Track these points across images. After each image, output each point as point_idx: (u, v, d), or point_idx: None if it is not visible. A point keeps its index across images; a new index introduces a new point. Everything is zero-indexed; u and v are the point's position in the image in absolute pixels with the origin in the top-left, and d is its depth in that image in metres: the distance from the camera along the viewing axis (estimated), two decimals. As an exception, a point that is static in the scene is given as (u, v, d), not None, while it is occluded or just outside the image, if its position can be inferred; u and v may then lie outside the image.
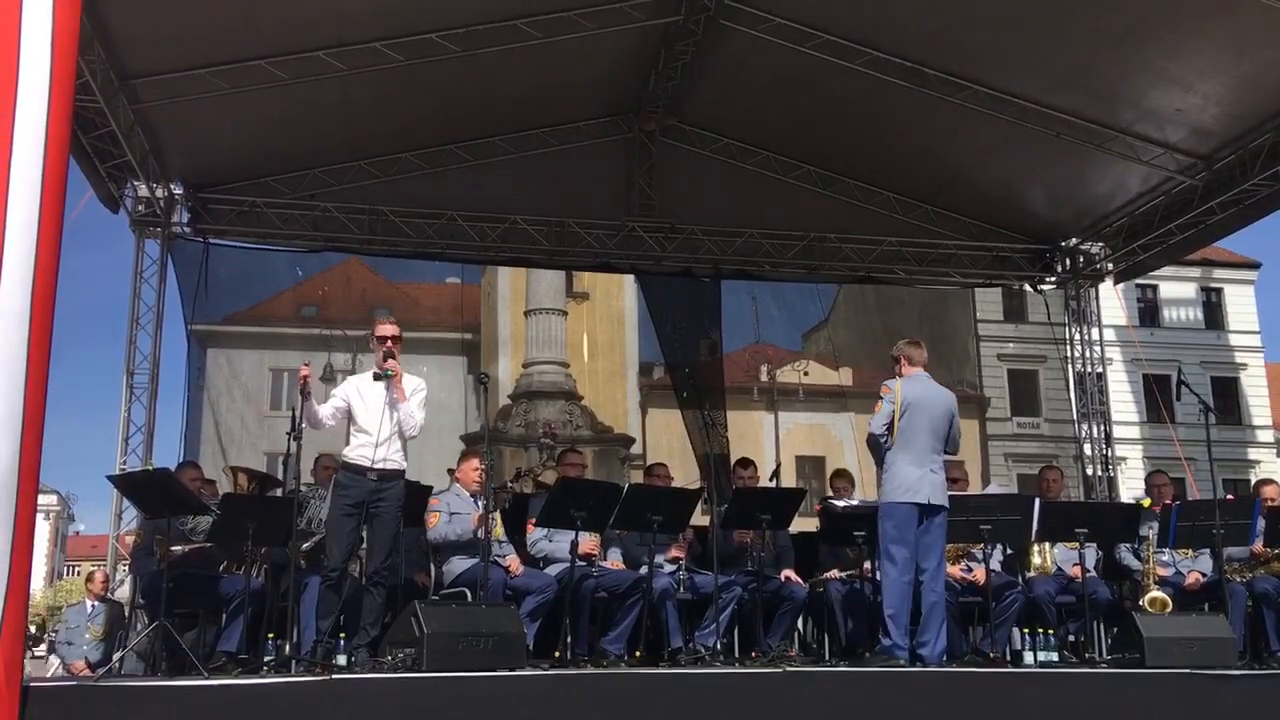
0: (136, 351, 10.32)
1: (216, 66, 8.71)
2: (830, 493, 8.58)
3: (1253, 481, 28.00)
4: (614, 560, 7.31)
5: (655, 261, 11.65)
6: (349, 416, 6.33)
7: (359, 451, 6.24)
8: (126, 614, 8.66)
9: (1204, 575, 7.62)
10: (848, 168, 11.35)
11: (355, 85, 9.17)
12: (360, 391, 6.35)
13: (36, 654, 17.81)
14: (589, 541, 6.97)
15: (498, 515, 7.18)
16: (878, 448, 6.68)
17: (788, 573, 7.46)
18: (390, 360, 6.28)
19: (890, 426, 6.57)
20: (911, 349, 6.87)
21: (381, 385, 6.28)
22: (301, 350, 12.79)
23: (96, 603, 9.72)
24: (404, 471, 6.38)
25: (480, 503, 6.82)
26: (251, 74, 8.80)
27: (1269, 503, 7.81)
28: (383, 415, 6.23)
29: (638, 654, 6.81)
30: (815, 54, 9.38)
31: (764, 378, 21.13)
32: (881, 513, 6.58)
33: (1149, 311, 30.79)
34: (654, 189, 11.18)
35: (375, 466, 6.19)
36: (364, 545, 6.51)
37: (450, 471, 7.95)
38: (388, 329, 6.39)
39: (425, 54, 8.92)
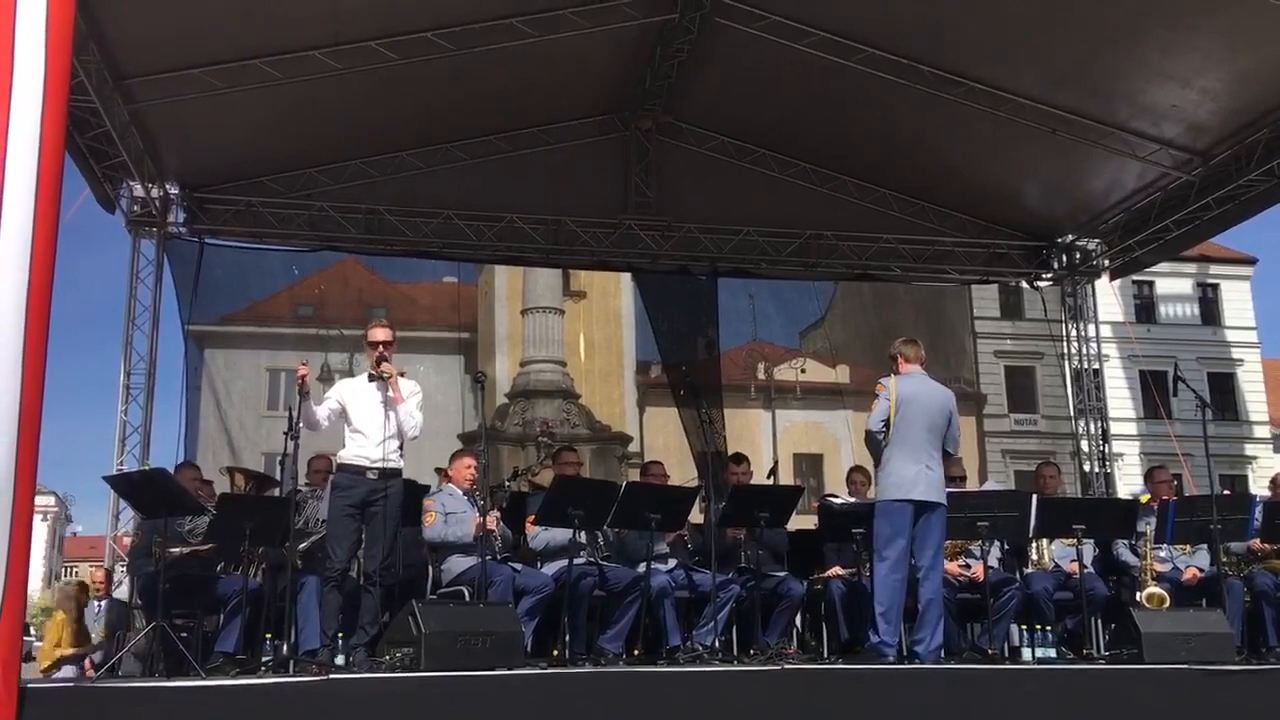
0: (133, 352, 10.31)
1: (212, 66, 8.69)
2: (838, 490, 8.57)
3: (1250, 477, 27.96)
4: None
5: (652, 260, 11.65)
6: (344, 418, 6.34)
7: (357, 452, 6.27)
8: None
9: (1201, 570, 7.63)
10: (844, 165, 11.35)
11: (351, 84, 9.15)
12: (355, 393, 6.37)
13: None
14: None
15: (494, 514, 7.18)
16: (875, 445, 6.67)
17: None
18: (385, 364, 6.31)
19: (887, 423, 6.57)
20: (907, 348, 6.86)
21: (377, 386, 6.32)
22: (298, 350, 12.74)
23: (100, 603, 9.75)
24: (402, 471, 6.39)
25: (476, 500, 6.83)
26: (247, 73, 8.78)
27: None
28: (380, 416, 6.25)
29: (636, 652, 6.81)
30: (811, 51, 9.37)
31: (761, 376, 21.05)
32: (876, 510, 6.58)
33: (1145, 308, 30.81)
34: (650, 187, 11.18)
35: (375, 466, 6.22)
36: (364, 545, 6.51)
37: (438, 471, 7.95)
38: (380, 333, 6.41)
39: (420, 53, 8.91)
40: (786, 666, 5.97)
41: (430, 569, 7.01)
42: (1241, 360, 31.07)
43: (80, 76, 7.77)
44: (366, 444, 6.26)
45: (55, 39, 4.73)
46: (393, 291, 16.45)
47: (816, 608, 7.76)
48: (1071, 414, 12.52)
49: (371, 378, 6.37)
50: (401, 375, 6.46)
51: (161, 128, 9.48)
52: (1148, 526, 7.48)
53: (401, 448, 6.38)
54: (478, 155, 10.81)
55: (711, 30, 9.44)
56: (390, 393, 6.29)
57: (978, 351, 22.61)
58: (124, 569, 9.24)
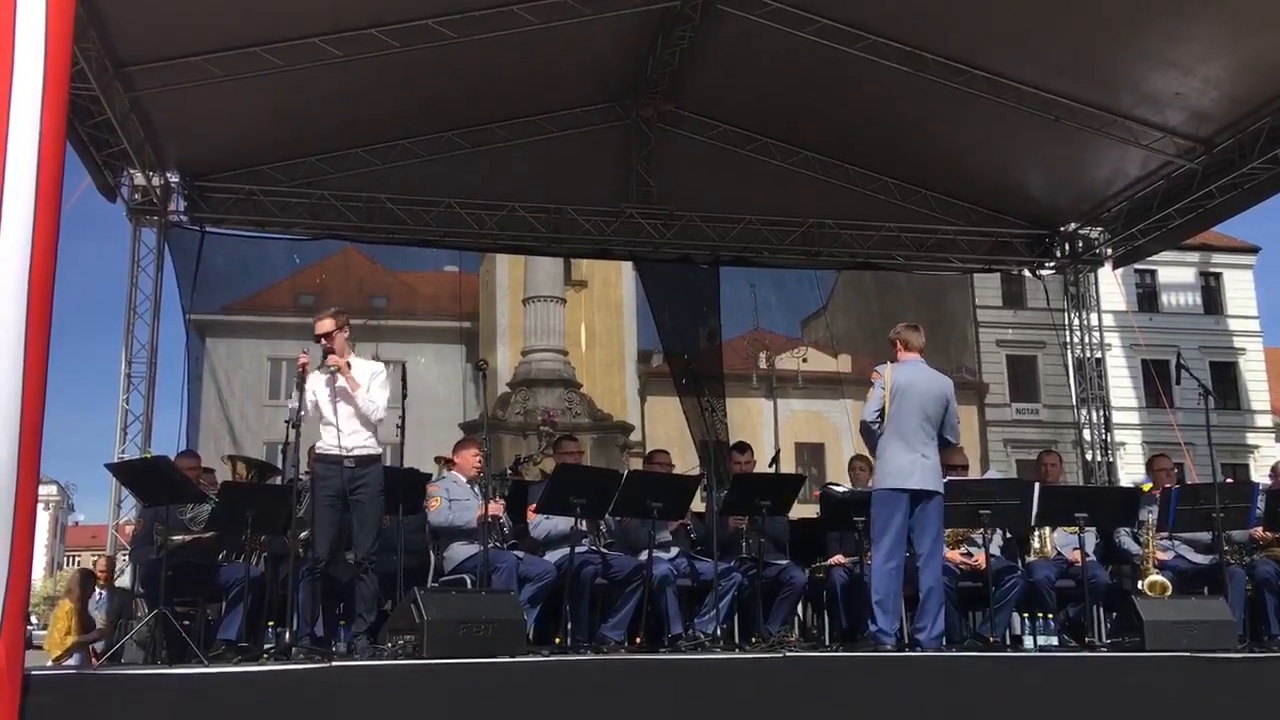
0: (134, 341, 10.32)
1: (212, 53, 8.67)
2: (840, 479, 8.57)
3: (1252, 466, 27.93)
4: None
5: (653, 248, 11.63)
6: (318, 409, 6.39)
7: (328, 441, 6.34)
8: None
9: None
10: (846, 153, 11.32)
11: (352, 72, 9.13)
12: (322, 385, 6.41)
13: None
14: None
15: (500, 501, 7.19)
16: (870, 435, 6.66)
17: None
18: (331, 356, 6.32)
19: (882, 412, 6.55)
20: (909, 333, 6.83)
21: (326, 379, 6.34)
22: (299, 339, 12.75)
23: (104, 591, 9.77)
24: (379, 456, 6.41)
25: (478, 489, 6.83)
26: (248, 61, 8.75)
27: None
28: (336, 406, 6.28)
29: (638, 640, 6.82)
30: (814, 38, 9.34)
31: (762, 365, 21.09)
32: (872, 499, 6.58)
33: (1148, 296, 30.80)
34: (652, 175, 11.15)
35: (349, 454, 6.25)
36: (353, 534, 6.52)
37: (438, 459, 7.92)
38: (320, 326, 6.43)
39: (421, 40, 8.88)
40: (788, 655, 5.97)
41: (432, 556, 7.02)
42: (1244, 349, 31.06)
43: (80, 64, 7.76)
44: (334, 434, 6.31)
45: (56, 26, 4.70)
46: (394, 280, 16.47)
47: (818, 596, 7.77)
48: (1074, 403, 12.53)
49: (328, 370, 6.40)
50: (386, 361, 6.46)
51: (162, 116, 9.46)
52: (1149, 515, 7.49)
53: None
54: (479, 143, 10.79)
55: (713, 18, 9.40)
56: (340, 383, 6.29)
57: (980, 340, 22.64)
58: (126, 557, 9.25)
